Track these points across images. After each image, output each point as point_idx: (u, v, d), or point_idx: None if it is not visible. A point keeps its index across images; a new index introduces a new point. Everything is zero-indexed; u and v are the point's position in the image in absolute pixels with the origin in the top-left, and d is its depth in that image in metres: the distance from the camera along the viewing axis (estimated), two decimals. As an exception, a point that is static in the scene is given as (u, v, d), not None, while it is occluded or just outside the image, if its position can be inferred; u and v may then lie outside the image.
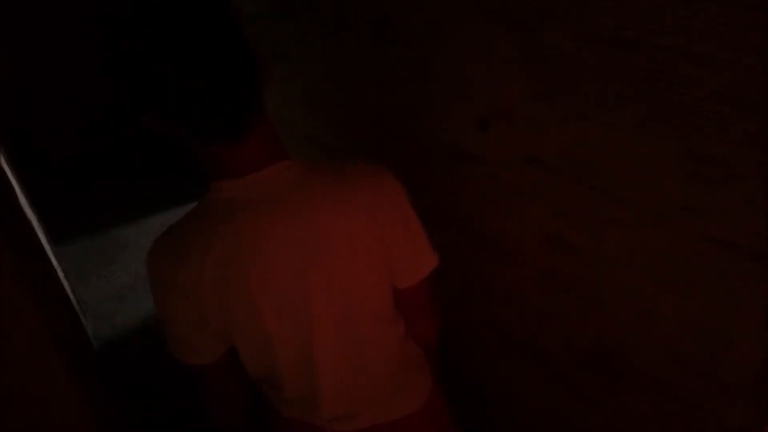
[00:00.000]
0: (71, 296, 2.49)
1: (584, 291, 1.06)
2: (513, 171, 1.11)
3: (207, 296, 0.78)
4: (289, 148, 2.34)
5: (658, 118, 0.81)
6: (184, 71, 0.65)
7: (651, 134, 0.83)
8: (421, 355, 1.04)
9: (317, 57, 1.78)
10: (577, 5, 0.85)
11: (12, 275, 1.05)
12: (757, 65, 0.67)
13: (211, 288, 0.77)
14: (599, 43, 0.85)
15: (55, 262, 2.53)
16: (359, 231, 0.79)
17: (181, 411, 2.23)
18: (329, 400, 0.92)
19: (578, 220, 1.02)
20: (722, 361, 0.86)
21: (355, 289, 0.83)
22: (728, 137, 0.73)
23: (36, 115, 4.26)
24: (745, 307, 0.80)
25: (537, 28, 0.93)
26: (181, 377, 2.38)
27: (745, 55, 0.68)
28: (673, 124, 0.79)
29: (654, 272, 0.92)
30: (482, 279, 1.35)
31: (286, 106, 2.20)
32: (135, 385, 2.39)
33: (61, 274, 2.51)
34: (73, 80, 4.33)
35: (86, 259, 3.26)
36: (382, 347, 0.92)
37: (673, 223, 0.85)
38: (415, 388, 1.02)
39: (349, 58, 1.57)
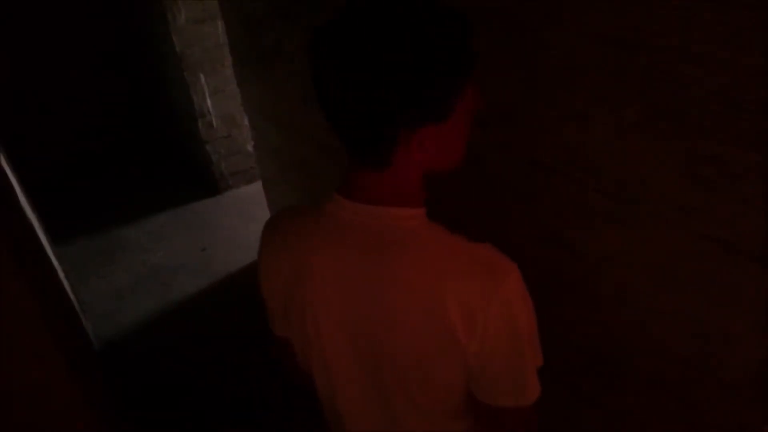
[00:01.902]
0: (71, 296, 2.49)
1: (584, 291, 1.06)
2: (513, 171, 1.11)
3: (278, 288, 0.82)
4: (289, 148, 2.34)
5: (658, 118, 0.81)
6: (342, 100, 0.64)
7: (651, 134, 0.83)
8: None
9: (317, 57, 1.78)
10: (577, 5, 0.85)
11: (12, 275, 1.05)
12: (757, 65, 0.67)
13: (282, 284, 0.81)
14: (599, 43, 0.85)
15: (55, 262, 2.53)
16: (429, 317, 0.68)
17: (181, 410, 2.23)
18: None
19: (578, 220, 1.02)
20: (722, 361, 0.86)
21: (395, 365, 0.74)
22: (728, 137, 0.73)
23: (36, 115, 4.27)
24: (745, 307, 0.80)
25: (537, 28, 0.93)
26: (180, 378, 2.39)
27: (745, 55, 0.68)
28: (672, 124, 0.79)
29: (654, 272, 0.92)
30: (482, 279, 1.35)
31: (286, 106, 2.20)
32: (135, 384, 2.39)
33: (61, 274, 2.51)
34: (73, 80, 4.33)
35: (86, 259, 3.26)
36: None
37: (673, 223, 0.85)
38: None
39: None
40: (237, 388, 2.29)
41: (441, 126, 0.66)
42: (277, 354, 1.00)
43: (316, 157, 2.10)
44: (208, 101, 3.48)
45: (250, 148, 3.63)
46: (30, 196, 2.90)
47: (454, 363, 0.71)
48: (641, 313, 0.97)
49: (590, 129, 0.92)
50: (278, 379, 2.27)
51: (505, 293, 0.68)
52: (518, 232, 1.17)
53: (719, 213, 0.78)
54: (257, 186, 3.45)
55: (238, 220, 3.47)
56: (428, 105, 0.63)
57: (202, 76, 3.41)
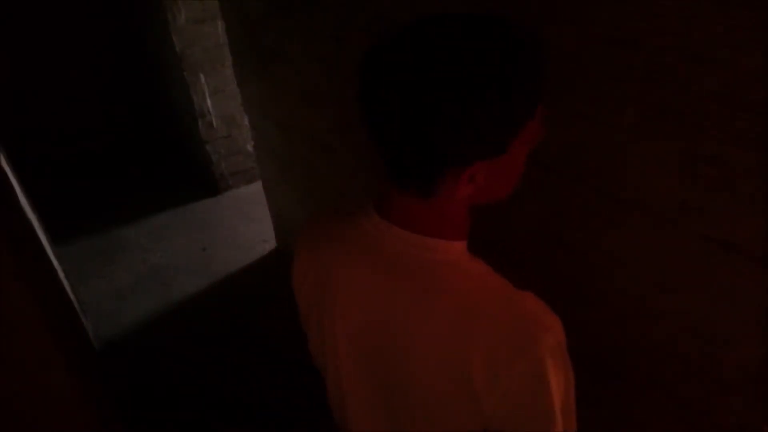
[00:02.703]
0: (71, 296, 2.49)
1: (584, 291, 1.06)
2: (513, 171, 1.11)
3: (303, 291, 0.82)
4: (289, 148, 2.34)
5: (658, 118, 0.81)
6: (390, 128, 0.59)
7: (651, 134, 0.83)
8: None
9: (317, 57, 1.78)
10: (577, 5, 0.85)
11: (12, 275, 1.05)
12: (757, 65, 0.67)
13: (307, 289, 0.80)
14: (599, 43, 0.85)
15: (55, 262, 2.53)
16: (447, 361, 0.64)
17: (181, 410, 2.23)
18: None
19: (578, 220, 1.02)
20: (722, 361, 0.86)
21: (406, 397, 0.71)
22: (728, 137, 0.73)
23: (36, 115, 4.27)
24: (745, 307, 0.80)
25: (537, 28, 0.93)
26: (180, 377, 2.39)
27: (745, 55, 0.68)
28: (673, 124, 0.79)
29: (654, 272, 0.92)
30: (482, 279, 1.35)
31: (286, 106, 2.20)
32: (135, 384, 2.39)
33: (61, 274, 2.51)
34: (73, 80, 4.33)
35: (86, 259, 3.26)
36: None
37: (673, 223, 0.85)
38: None
39: (349, 58, 1.57)
40: (237, 388, 2.29)
41: (495, 161, 0.60)
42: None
43: (316, 157, 2.10)
44: (208, 101, 3.48)
45: (250, 148, 3.63)
46: (30, 196, 2.90)
47: (469, 414, 0.66)
48: (641, 313, 0.97)
49: (590, 129, 0.92)
50: (278, 379, 2.27)
51: (539, 351, 0.60)
52: (518, 232, 1.17)
53: (719, 213, 0.78)
54: (257, 186, 3.45)
55: (238, 220, 3.46)
56: (483, 144, 0.58)
57: (202, 76, 3.41)
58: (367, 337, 0.72)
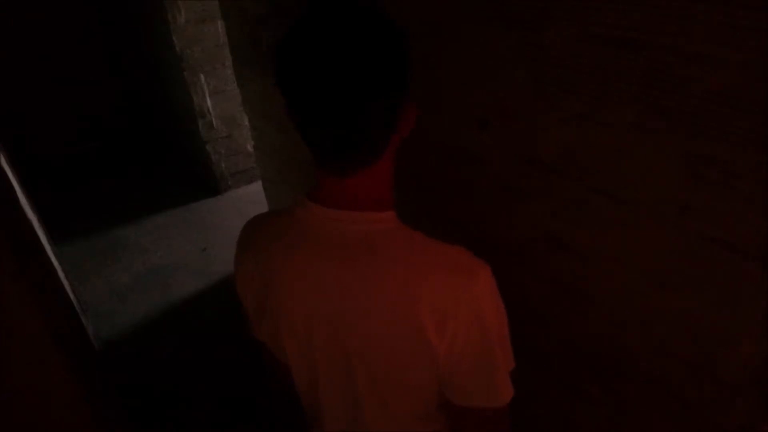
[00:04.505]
0: (71, 296, 2.49)
1: (584, 291, 1.06)
2: (513, 171, 1.11)
3: (252, 295, 0.82)
4: (289, 148, 2.34)
5: (658, 118, 0.81)
6: (311, 104, 0.65)
7: (651, 134, 0.83)
8: None
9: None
10: (577, 5, 0.85)
11: (12, 275, 1.05)
12: (757, 65, 0.67)
13: (254, 291, 0.81)
14: (599, 43, 0.85)
15: (55, 262, 2.53)
16: (400, 319, 0.69)
17: (181, 410, 2.23)
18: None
19: (578, 220, 1.02)
20: (722, 361, 0.86)
21: (368, 368, 0.75)
22: (728, 137, 0.73)
23: (36, 115, 4.27)
24: (745, 307, 0.80)
25: (537, 28, 0.93)
26: (180, 378, 2.39)
27: (745, 55, 0.68)
28: (673, 124, 0.79)
29: (654, 272, 0.92)
30: (482, 279, 1.35)
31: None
32: (135, 384, 2.39)
33: (61, 274, 2.51)
34: (74, 80, 4.33)
35: (86, 259, 3.26)
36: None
37: (673, 223, 0.85)
38: None
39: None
40: (237, 388, 2.29)
41: (406, 97, 0.71)
42: (268, 359, 1.00)
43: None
44: (208, 101, 3.48)
45: (250, 148, 3.63)
46: (30, 196, 2.90)
47: (426, 365, 0.71)
48: (641, 313, 0.97)
49: (590, 129, 0.92)
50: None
51: (475, 293, 0.68)
52: (518, 232, 1.17)
53: (719, 213, 0.78)
54: (257, 186, 3.45)
55: (238, 220, 3.46)
56: (399, 79, 0.68)
57: (202, 76, 3.41)
58: (323, 321, 0.74)
